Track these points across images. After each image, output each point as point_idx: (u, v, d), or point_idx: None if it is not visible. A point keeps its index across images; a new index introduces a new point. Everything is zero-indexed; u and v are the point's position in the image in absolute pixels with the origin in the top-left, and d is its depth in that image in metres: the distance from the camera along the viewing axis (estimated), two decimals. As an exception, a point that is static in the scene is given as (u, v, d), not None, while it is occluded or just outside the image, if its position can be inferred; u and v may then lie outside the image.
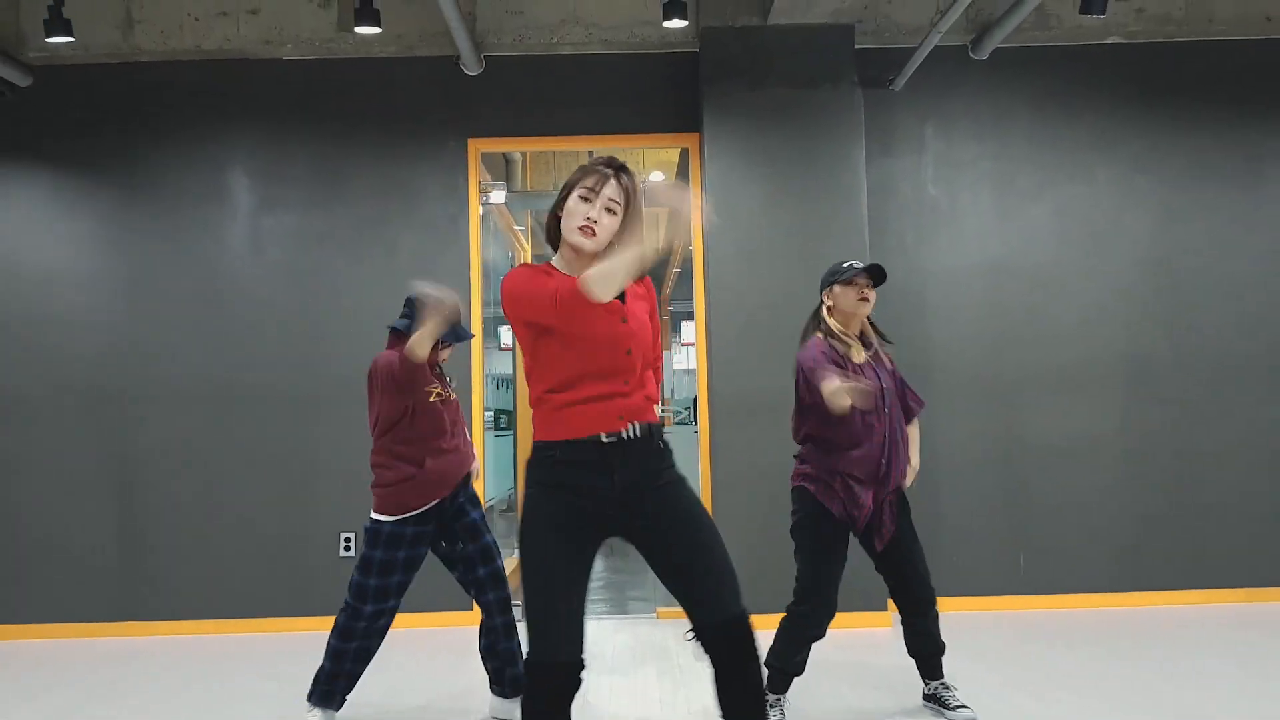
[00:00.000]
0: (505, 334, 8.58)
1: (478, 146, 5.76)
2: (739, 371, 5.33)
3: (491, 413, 7.55)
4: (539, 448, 2.44)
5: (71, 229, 5.69)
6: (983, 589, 5.55)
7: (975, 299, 5.69)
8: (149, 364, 5.62)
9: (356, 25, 5.15)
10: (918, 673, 3.77)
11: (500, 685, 3.79)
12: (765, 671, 3.55)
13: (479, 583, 3.72)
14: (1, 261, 5.68)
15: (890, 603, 4.82)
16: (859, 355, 3.57)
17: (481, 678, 4.01)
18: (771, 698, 3.59)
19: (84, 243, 5.69)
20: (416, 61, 5.74)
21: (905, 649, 3.71)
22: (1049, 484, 5.61)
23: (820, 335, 3.60)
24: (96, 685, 4.51)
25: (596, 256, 2.44)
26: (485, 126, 5.74)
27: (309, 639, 5.05)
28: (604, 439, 2.38)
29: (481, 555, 3.72)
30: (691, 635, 2.41)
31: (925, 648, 3.67)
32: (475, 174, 5.74)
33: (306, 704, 3.69)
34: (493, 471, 6.76)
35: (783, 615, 3.59)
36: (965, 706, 3.65)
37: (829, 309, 3.63)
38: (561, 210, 2.47)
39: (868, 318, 3.68)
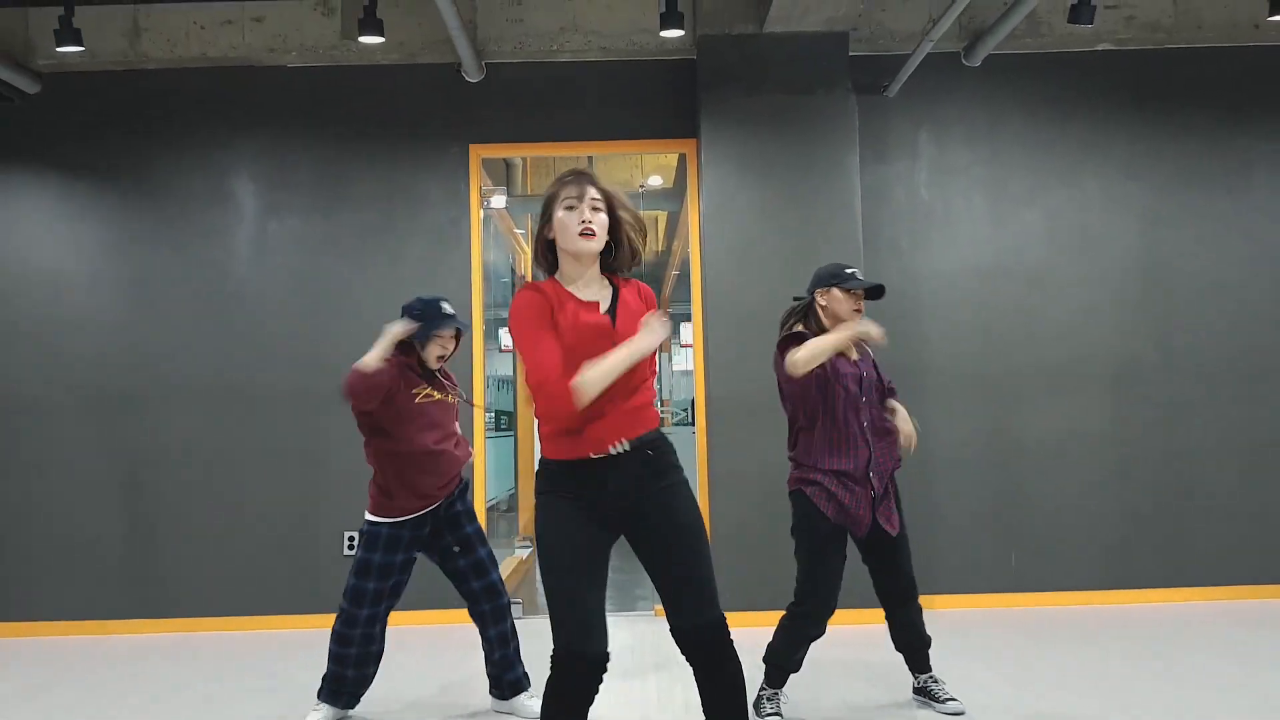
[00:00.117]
0: (505, 336, 8.65)
1: (479, 152, 5.85)
2: (736, 373, 5.41)
3: (492, 414, 7.64)
4: (541, 462, 2.58)
5: (80, 233, 5.79)
6: (974, 587, 5.64)
7: (968, 302, 5.78)
8: (156, 366, 5.71)
9: (360, 34, 5.23)
10: (906, 668, 3.86)
11: (499, 689, 3.88)
12: (763, 668, 3.65)
13: (473, 595, 3.79)
14: (12, 265, 5.78)
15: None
16: (854, 354, 3.68)
17: (481, 676, 4.06)
18: (768, 691, 3.68)
19: (92, 246, 5.78)
20: (419, 69, 5.83)
21: (892, 644, 3.79)
22: (1040, 483, 5.70)
23: (804, 331, 3.63)
24: (104, 681, 4.59)
25: (596, 257, 2.56)
26: (486, 132, 5.83)
27: (315, 636, 5.12)
28: (593, 456, 2.49)
29: (474, 569, 3.78)
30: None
31: (910, 639, 3.75)
32: (476, 179, 5.82)
33: (315, 699, 3.79)
34: (493, 472, 6.84)
35: (782, 614, 3.66)
36: (954, 699, 3.74)
37: (821, 307, 3.67)
38: (550, 231, 2.57)
39: None
